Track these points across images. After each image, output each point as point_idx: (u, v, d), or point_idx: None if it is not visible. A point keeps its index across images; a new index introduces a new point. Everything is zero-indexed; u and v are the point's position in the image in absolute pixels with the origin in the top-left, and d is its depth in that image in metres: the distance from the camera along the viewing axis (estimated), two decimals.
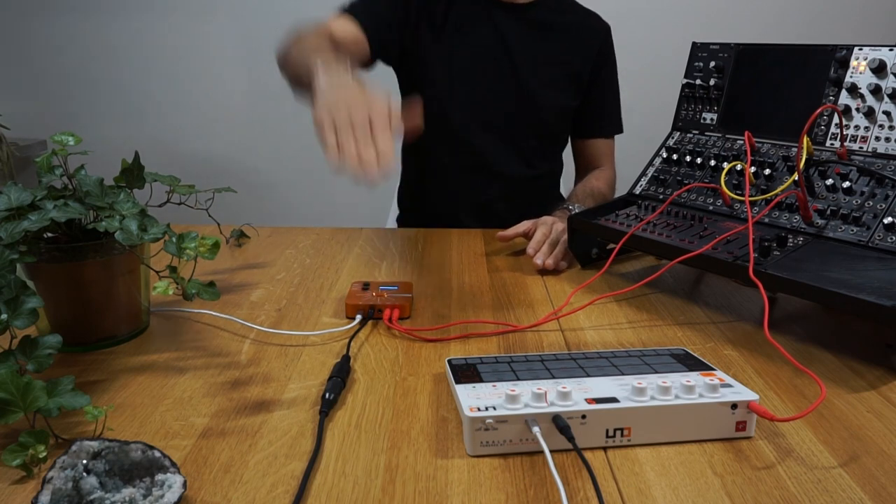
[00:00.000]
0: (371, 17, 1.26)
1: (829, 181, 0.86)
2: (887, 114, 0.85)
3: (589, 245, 1.05)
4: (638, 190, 1.05)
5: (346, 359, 0.71)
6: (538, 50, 1.34)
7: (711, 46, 1.05)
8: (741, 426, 0.59)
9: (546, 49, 1.34)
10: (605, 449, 0.58)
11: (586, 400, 0.58)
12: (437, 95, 1.34)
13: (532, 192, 1.42)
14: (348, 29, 1.23)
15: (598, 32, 1.39)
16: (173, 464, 0.51)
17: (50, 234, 0.75)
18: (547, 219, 1.11)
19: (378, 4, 1.29)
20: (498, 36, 1.32)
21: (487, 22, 1.32)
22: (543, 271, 1.03)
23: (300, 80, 1.00)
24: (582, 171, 1.48)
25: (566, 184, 1.54)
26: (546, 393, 0.57)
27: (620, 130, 1.47)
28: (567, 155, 1.51)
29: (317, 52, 0.96)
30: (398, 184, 1.56)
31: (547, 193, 1.46)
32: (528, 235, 1.10)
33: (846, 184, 0.84)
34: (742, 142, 0.98)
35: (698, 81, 1.05)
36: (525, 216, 1.15)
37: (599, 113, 1.43)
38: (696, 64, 1.07)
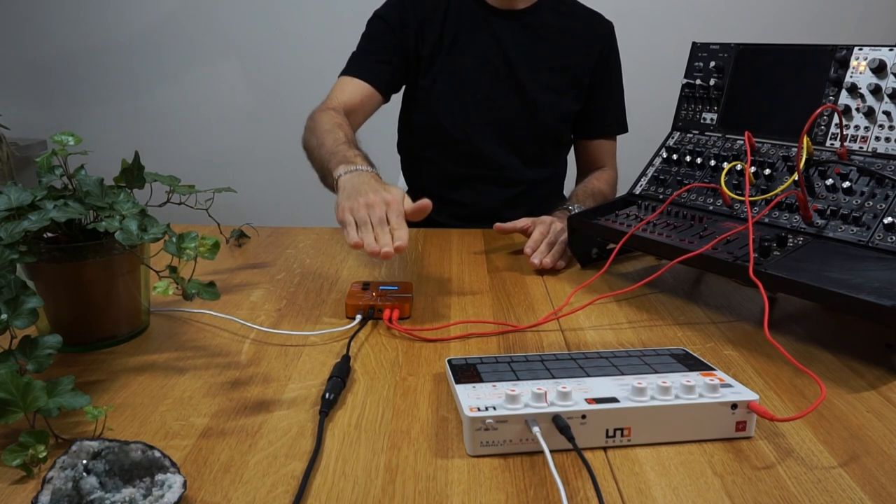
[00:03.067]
0: (372, 67, 1.31)
1: (829, 181, 0.86)
2: (887, 114, 0.85)
3: (589, 245, 1.05)
4: (638, 190, 1.05)
5: (346, 359, 0.71)
6: (537, 55, 1.34)
7: (711, 46, 1.05)
8: (741, 426, 0.59)
9: (545, 54, 1.34)
10: (605, 449, 0.58)
11: (586, 400, 0.58)
12: (439, 103, 1.34)
13: (536, 196, 1.42)
14: (356, 92, 1.29)
15: (600, 34, 1.39)
16: (173, 464, 0.51)
17: (50, 234, 0.75)
18: (546, 218, 1.12)
19: (376, 43, 1.33)
20: (497, 43, 1.33)
21: (486, 29, 1.32)
22: (543, 271, 1.03)
23: (324, 178, 1.10)
24: (584, 171, 1.48)
25: (569, 184, 1.54)
26: (546, 393, 0.57)
27: (624, 130, 1.46)
28: (569, 156, 1.51)
29: (333, 153, 1.05)
30: (404, 189, 1.56)
31: (550, 197, 1.46)
32: (526, 233, 1.10)
33: (846, 184, 0.84)
34: (742, 142, 0.98)
35: (698, 81, 1.05)
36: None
37: (602, 114, 1.43)
38: (696, 64, 1.07)
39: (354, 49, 1.36)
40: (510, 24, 1.33)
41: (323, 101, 1.27)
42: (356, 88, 1.29)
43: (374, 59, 1.32)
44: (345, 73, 1.33)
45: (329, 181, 1.04)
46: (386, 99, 1.36)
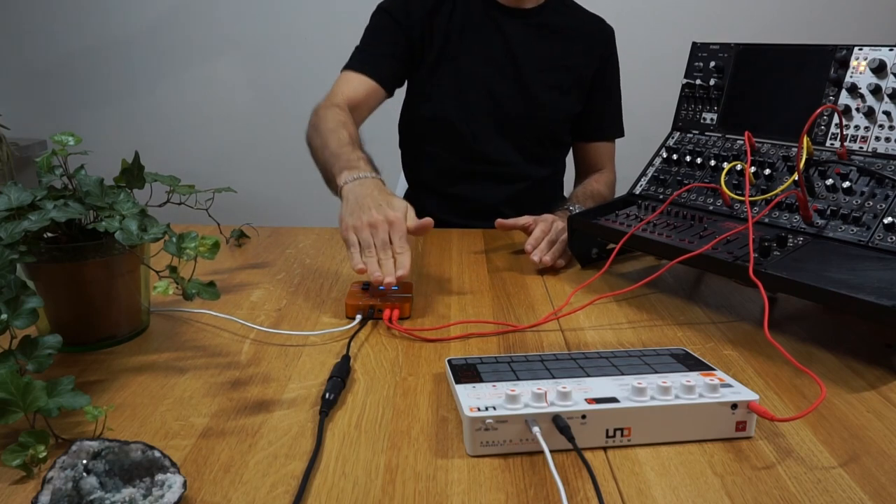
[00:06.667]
0: (376, 61, 1.31)
1: (829, 181, 0.86)
2: (887, 114, 0.85)
3: (589, 245, 1.05)
4: (638, 190, 1.05)
5: (346, 359, 0.71)
6: (543, 54, 1.34)
7: (711, 46, 1.05)
8: (741, 426, 0.59)
9: (551, 53, 1.35)
10: (605, 449, 0.58)
11: (586, 400, 0.58)
12: (443, 99, 1.34)
13: (537, 194, 1.42)
14: (359, 87, 1.28)
15: (602, 37, 1.40)
16: (173, 464, 0.51)
17: (50, 234, 0.75)
18: (547, 216, 1.12)
19: (379, 37, 1.32)
20: (503, 40, 1.33)
21: (493, 27, 1.33)
22: (543, 270, 1.03)
23: (327, 180, 1.10)
24: (582, 173, 1.49)
25: (567, 186, 1.54)
26: (546, 393, 0.57)
27: (622, 134, 1.48)
28: (568, 157, 1.52)
29: (337, 156, 1.05)
30: (404, 188, 1.56)
31: (551, 196, 1.47)
32: (527, 230, 1.10)
33: (846, 184, 0.84)
34: (742, 142, 0.98)
35: (698, 81, 1.05)
36: None
37: (601, 116, 1.44)
38: (696, 64, 1.07)
39: (358, 43, 1.35)
40: (517, 23, 1.33)
41: (326, 97, 1.27)
42: (360, 83, 1.29)
43: (377, 54, 1.32)
44: (348, 67, 1.32)
45: (332, 185, 1.04)
46: (390, 93, 1.36)
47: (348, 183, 0.97)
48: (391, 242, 0.86)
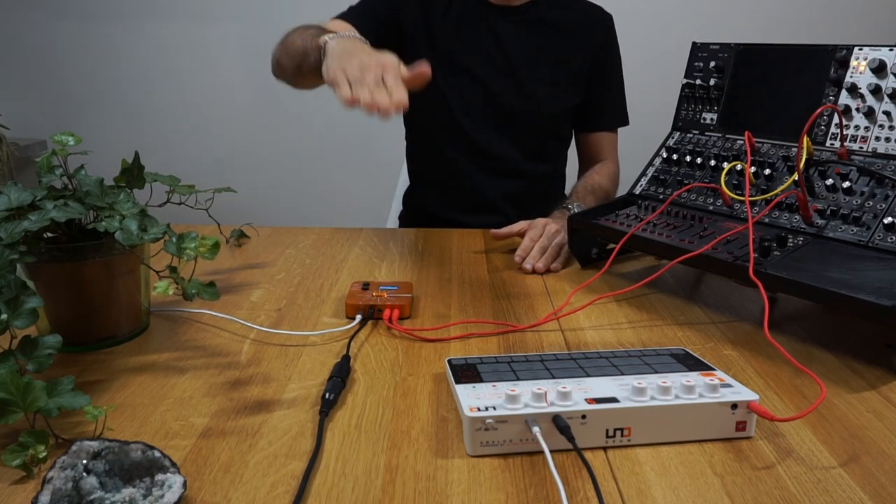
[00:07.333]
0: (366, 24, 1.28)
1: (829, 181, 0.86)
2: (887, 114, 0.85)
3: (589, 245, 1.05)
4: (638, 190, 1.05)
5: (346, 359, 0.71)
6: (537, 50, 1.34)
7: (711, 46, 1.05)
8: (741, 426, 0.59)
9: (545, 48, 1.34)
10: (605, 449, 0.58)
11: (586, 400, 0.58)
12: (439, 97, 1.34)
13: (537, 191, 1.42)
14: (348, 29, 1.24)
15: (599, 27, 1.39)
16: (173, 464, 0.51)
17: (50, 234, 0.75)
18: (539, 221, 1.11)
19: (375, 5, 1.30)
20: (496, 39, 1.33)
21: (485, 25, 1.32)
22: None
23: (301, 66, 1.03)
24: (585, 164, 1.48)
25: (570, 179, 1.53)
26: (546, 393, 0.57)
27: (625, 122, 1.46)
28: (571, 150, 1.51)
29: (315, 36, 0.99)
30: (405, 186, 1.56)
31: (552, 192, 1.46)
32: (523, 235, 1.10)
33: (846, 184, 0.84)
34: (742, 142, 0.98)
35: (698, 81, 1.05)
36: (530, 215, 1.14)
37: (601, 106, 1.43)
38: (696, 64, 1.07)
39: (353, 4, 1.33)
40: (508, 20, 1.33)
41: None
42: (346, 29, 1.24)
43: (368, 20, 1.28)
44: (338, 17, 1.29)
45: (311, 60, 0.96)
46: None
47: (332, 40, 0.90)
48: (384, 84, 0.78)
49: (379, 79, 0.78)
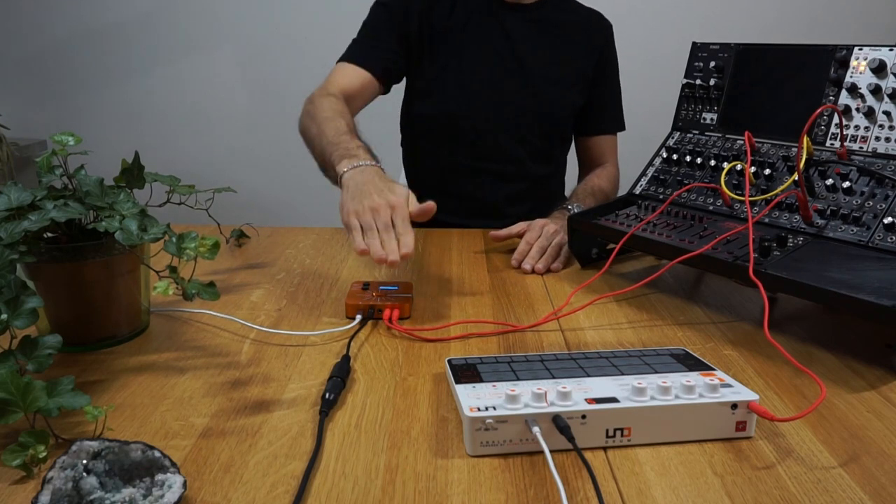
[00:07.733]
0: (373, 52, 1.30)
1: (829, 181, 0.86)
2: (887, 114, 0.85)
3: (589, 245, 1.05)
4: (638, 190, 1.05)
5: (346, 359, 0.71)
6: (544, 49, 1.34)
7: (711, 46, 1.05)
8: (741, 426, 0.59)
9: (552, 48, 1.35)
10: (605, 449, 0.58)
11: (586, 400, 0.58)
12: (445, 96, 1.34)
13: (539, 192, 1.42)
14: (355, 79, 1.28)
15: (601, 31, 1.40)
16: (173, 464, 0.51)
17: (50, 234, 0.75)
18: (537, 222, 1.11)
19: (376, 31, 1.32)
20: (504, 35, 1.33)
21: (493, 22, 1.33)
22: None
23: (324, 169, 1.09)
24: (585, 168, 1.48)
25: (570, 183, 1.54)
26: (546, 393, 0.57)
27: (623, 128, 1.47)
28: (570, 153, 1.52)
29: (335, 144, 1.04)
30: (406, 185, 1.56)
31: (553, 193, 1.47)
32: (522, 236, 1.10)
33: (846, 184, 0.84)
34: (742, 142, 0.98)
35: (698, 81, 1.05)
36: (531, 216, 1.14)
37: (602, 110, 1.44)
38: (696, 64, 1.07)
39: (355, 36, 1.34)
40: (518, 17, 1.33)
41: (321, 86, 1.26)
42: (355, 75, 1.28)
43: (374, 47, 1.31)
44: (343, 58, 1.31)
45: (331, 174, 1.03)
46: (385, 88, 1.34)
47: (348, 171, 0.96)
48: (393, 225, 0.84)
49: (388, 222, 0.84)
